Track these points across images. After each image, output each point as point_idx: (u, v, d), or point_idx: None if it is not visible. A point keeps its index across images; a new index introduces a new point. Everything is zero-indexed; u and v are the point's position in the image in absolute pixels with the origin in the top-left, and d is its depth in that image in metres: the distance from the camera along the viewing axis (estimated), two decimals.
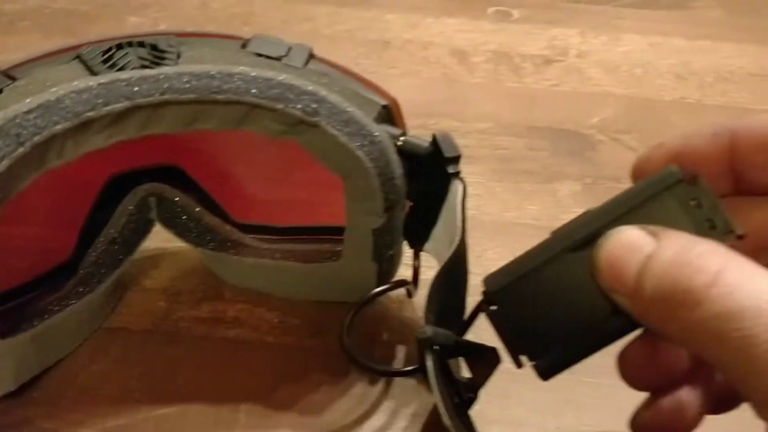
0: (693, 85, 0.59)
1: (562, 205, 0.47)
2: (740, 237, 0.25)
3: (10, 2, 0.65)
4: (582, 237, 0.26)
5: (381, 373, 0.36)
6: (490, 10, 0.67)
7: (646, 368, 0.27)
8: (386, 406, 0.36)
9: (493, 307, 0.28)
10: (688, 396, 0.27)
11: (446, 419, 0.27)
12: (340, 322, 0.35)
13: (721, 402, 0.29)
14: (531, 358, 0.27)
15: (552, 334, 0.27)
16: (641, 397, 0.28)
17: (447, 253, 0.31)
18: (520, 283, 0.27)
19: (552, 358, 0.27)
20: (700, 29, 0.65)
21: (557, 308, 0.26)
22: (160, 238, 0.41)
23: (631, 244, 0.24)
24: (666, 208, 0.25)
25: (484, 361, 0.31)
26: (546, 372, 0.27)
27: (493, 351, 0.30)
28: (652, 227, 0.24)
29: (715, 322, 0.21)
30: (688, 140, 0.27)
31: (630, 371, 0.27)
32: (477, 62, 0.61)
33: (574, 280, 0.26)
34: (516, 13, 0.67)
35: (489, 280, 0.28)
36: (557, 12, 0.67)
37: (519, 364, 0.28)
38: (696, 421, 0.28)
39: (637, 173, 0.28)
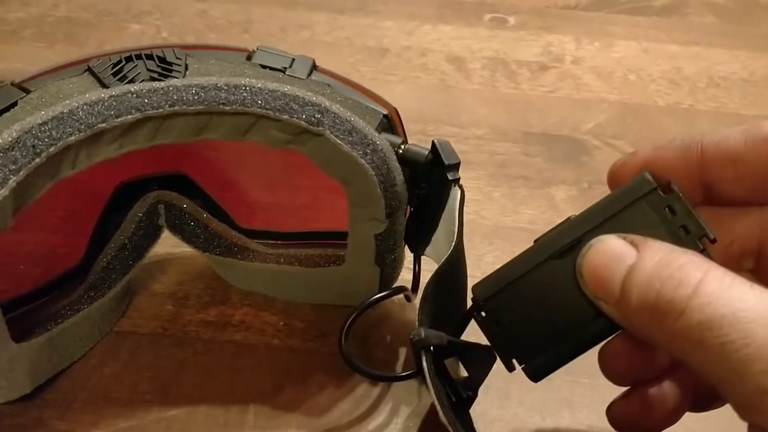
0: (685, 90, 0.60)
1: (559, 209, 0.48)
2: (713, 241, 0.26)
3: (13, 11, 0.66)
4: (565, 244, 0.27)
5: (378, 378, 0.37)
6: (486, 17, 0.68)
7: (625, 364, 0.28)
8: (387, 406, 0.36)
9: (483, 314, 0.29)
10: (666, 390, 0.29)
11: (442, 416, 0.28)
12: (339, 328, 0.35)
13: (705, 399, 0.30)
14: (521, 362, 0.29)
15: (540, 338, 0.28)
16: None
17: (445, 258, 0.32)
18: (508, 291, 0.28)
19: (541, 361, 0.28)
20: (693, 35, 0.66)
21: (543, 313, 0.28)
22: (168, 244, 0.41)
23: (613, 254, 0.25)
24: (642, 215, 0.27)
25: (480, 359, 0.32)
26: (536, 374, 0.28)
27: (487, 349, 0.31)
28: (631, 236, 0.26)
29: (697, 330, 0.22)
30: (660, 152, 0.28)
31: (609, 366, 0.28)
32: (474, 69, 0.61)
33: (559, 285, 0.27)
34: (512, 20, 0.68)
35: (477, 288, 0.29)
36: (552, 19, 0.68)
37: (510, 368, 0.29)
38: (675, 415, 0.29)
39: (612, 179, 0.29)
